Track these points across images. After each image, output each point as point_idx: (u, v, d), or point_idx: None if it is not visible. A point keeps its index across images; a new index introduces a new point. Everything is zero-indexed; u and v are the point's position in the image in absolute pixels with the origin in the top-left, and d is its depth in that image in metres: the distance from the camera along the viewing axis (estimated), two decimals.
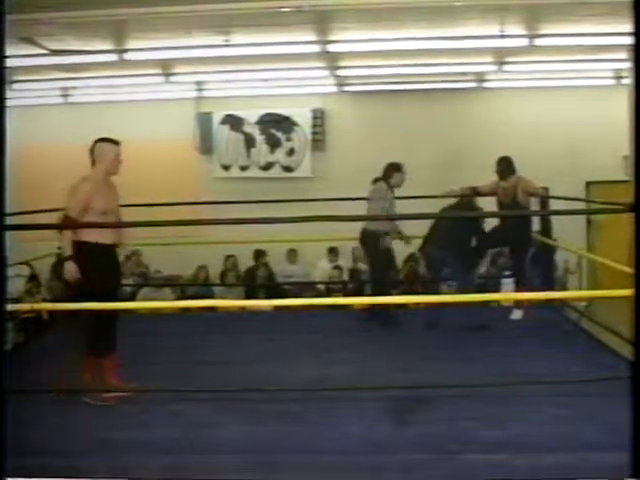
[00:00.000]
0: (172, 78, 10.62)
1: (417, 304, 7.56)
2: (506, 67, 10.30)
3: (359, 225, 7.29)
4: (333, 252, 11.34)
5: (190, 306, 7.70)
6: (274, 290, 10.84)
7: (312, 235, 8.96)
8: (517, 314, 7.10)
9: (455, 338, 6.28)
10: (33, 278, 9.72)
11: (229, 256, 11.21)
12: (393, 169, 7.25)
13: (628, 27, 1.70)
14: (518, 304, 7.16)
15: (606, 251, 9.46)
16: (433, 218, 7.16)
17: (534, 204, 7.67)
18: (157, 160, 11.97)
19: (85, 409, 4.64)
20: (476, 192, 7.47)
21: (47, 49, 8.47)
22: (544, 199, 7.68)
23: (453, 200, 7.25)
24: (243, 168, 12.22)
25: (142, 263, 11.41)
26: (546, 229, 7.81)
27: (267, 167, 12.16)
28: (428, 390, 4.81)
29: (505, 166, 7.23)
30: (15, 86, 10.48)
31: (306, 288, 10.82)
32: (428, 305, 6.99)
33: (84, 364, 4.93)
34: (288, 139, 12.16)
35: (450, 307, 6.75)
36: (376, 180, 7.28)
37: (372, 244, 7.06)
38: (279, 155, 12.13)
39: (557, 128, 11.64)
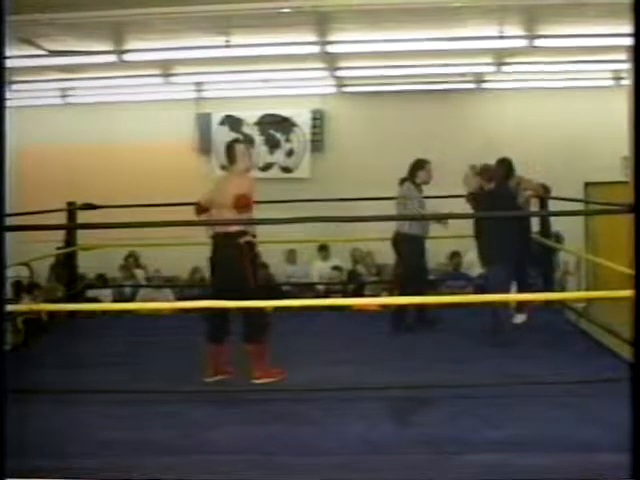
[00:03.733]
0: (171, 79, 10.63)
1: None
2: (505, 68, 10.31)
3: (362, 226, 7.24)
4: (324, 250, 11.32)
5: (189, 307, 7.69)
6: (274, 291, 10.81)
7: (314, 236, 8.95)
8: (519, 318, 6.99)
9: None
10: (33, 287, 9.55)
11: None
12: (417, 167, 7.01)
13: (627, 28, 1.70)
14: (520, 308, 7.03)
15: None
16: (435, 219, 7.09)
17: (534, 205, 7.66)
18: (156, 161, 11.97)
19: None
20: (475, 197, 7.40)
21: (46, 50, 8.47)
22: (544, 199, 7.67)
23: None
24: None
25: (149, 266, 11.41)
26: (546, 230, 7.80)
27: (266, 168, 12.16)
28: (426, 390, 4.82)
29: (504, 168, 7.15)
30: (14, 87, 10.48)
31: (304, 289, 10.80)
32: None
33: (251, 351, 5.20)
34: (287, 140, 12.16)
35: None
36: (403, 180, 7.07)
37: (405, 247, 6.90)
38: (278, 156, 12.14)
39: (556, 129, 11.64)
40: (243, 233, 5.19)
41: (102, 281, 10.72)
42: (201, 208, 5.45)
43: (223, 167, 12.05)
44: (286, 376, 5.17)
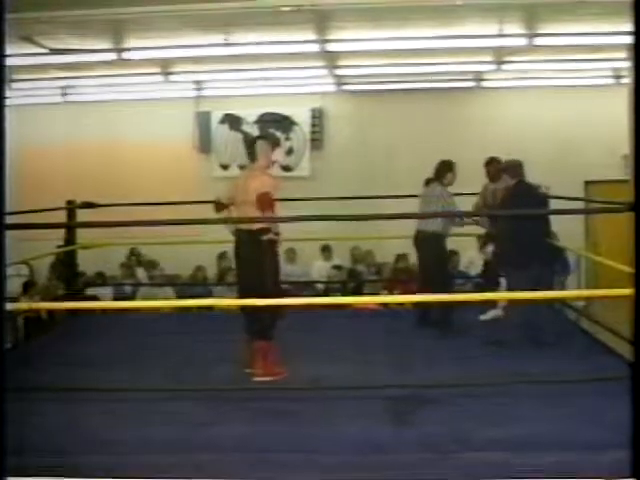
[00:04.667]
0: (171, 77, 10.62)
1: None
2: (505, 66, 10.30)
3: (364, 225, 7.22)
4: (327, 250, 11.32)
5: (189, 305, 7.71)
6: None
7: (314, 235, 8.93)
8: (491, 314, 6.99)
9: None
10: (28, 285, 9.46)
11: (222, 254, 11.09)
12: (446, 169, 6.93)
13: (627, 26, 1.70)
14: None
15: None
16: (432, 217, 7.08)
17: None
18: (155, 159, 11.98)
19: None
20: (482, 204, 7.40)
21: (46, 48, 8.46)
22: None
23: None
24: (242, 167, 12.20)
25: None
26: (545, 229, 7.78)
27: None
28: (426, 389, 4.83)
29: (495, 167, 7.11)
30: (14, 85, 10.47)
31: (303, 287, 10.79)
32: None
33: (257, 347, 5.25)
34: (287, 138, 12.16)
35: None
36: (428, 181, 6.99)
37: (429, 245, 6.77)
38: (278, 154, 12.10)
39: (556, 127, 11.64)
40: (266, 230, 5.17)
41: (101, 279, 10.71)
42: (221, 205, 5.43)
43: (223, 166, 12.18)
44: (286, 376, 5.15)
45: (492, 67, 10.41)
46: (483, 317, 7.03)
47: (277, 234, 5.27)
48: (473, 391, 4.77)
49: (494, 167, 7.13)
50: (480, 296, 6.76)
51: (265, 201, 5.10)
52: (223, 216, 5.50)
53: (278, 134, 12.13)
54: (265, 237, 5.16)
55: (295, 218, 4.92)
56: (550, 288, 7.18)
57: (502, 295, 6.45)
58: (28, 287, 9.01)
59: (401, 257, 10.84)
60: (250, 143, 5.64)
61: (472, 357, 5.74)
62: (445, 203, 6.72)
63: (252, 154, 5.48)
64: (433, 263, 6.82)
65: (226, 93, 11.82)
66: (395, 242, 9.80)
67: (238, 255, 5.41)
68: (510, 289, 6.20)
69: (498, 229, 6.67)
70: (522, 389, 4.76)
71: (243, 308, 5.38)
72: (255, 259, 5.17)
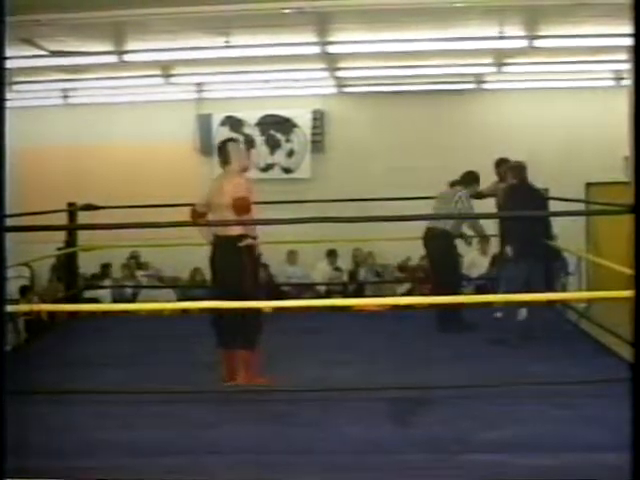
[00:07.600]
0: (172, 79, 10.63)
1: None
2: (506, 68, 10.31)
3: (365, 227, 7.17)
4: (332, 255, 11.32)
5: (189, 308, 7.69)
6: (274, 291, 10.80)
7: (315, 237, 8.93)
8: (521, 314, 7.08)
9: None
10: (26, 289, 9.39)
11: None
12: (473, 179, 7.15)
13: (628, 28, 1.70)
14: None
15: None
16: (434, 219, 7.10)
17: None
18: (157, 161, 11.98)
19: None
20: (479, 195, 7.44)
21: (47, 50, 8.47)
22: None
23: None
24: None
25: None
26: (546, 230, 7.78)
27: (267, 168, 12.15)
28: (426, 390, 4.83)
29: (506, 167, 7.17)
30: (15, 87, 10.48)
31: (304, 289, 10.79)
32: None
33: (238, 357, 5.10)
34: (288, 140, 12.16)
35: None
36: (453, 183, 7.13)
37: (438, 243, 6.90)
38: (279, 156, 12.13)
39: (556, 129, 11.64)
40: (243, 237, 5.02)
41: (96, 281, 10.69)
42: (197, 213, 5.23)
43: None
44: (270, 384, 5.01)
45: (493, 69, 10.41)
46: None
47: (254, 238, 5.12)
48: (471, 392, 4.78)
49: (504, 168, 7.20)
50: (481, 298, 6.77)
51: (241, 206, 4.94)
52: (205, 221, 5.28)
53: (279, 136, 12.14)
54: (242, 243, 5.00)
55: (294, 220, 4.88)
56: (549, 288, 7.23)
57: (502, 297, 6.46)
58: (26, 291, 8.98)
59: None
60: (221, 146, 5.38)
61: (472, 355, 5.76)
62: (463, 206, 6.89)
63: (224, 157, 5.28)
64: (443, 261, 6.96)
65: (227, 95, 11.83)
66: (397, 244, 9.80)
67: (214, 262, 5.22)
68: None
69: (501, 228, 6.81)
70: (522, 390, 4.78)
71: (220, 316, 5.12)
72: (234, 266, 5.00)
